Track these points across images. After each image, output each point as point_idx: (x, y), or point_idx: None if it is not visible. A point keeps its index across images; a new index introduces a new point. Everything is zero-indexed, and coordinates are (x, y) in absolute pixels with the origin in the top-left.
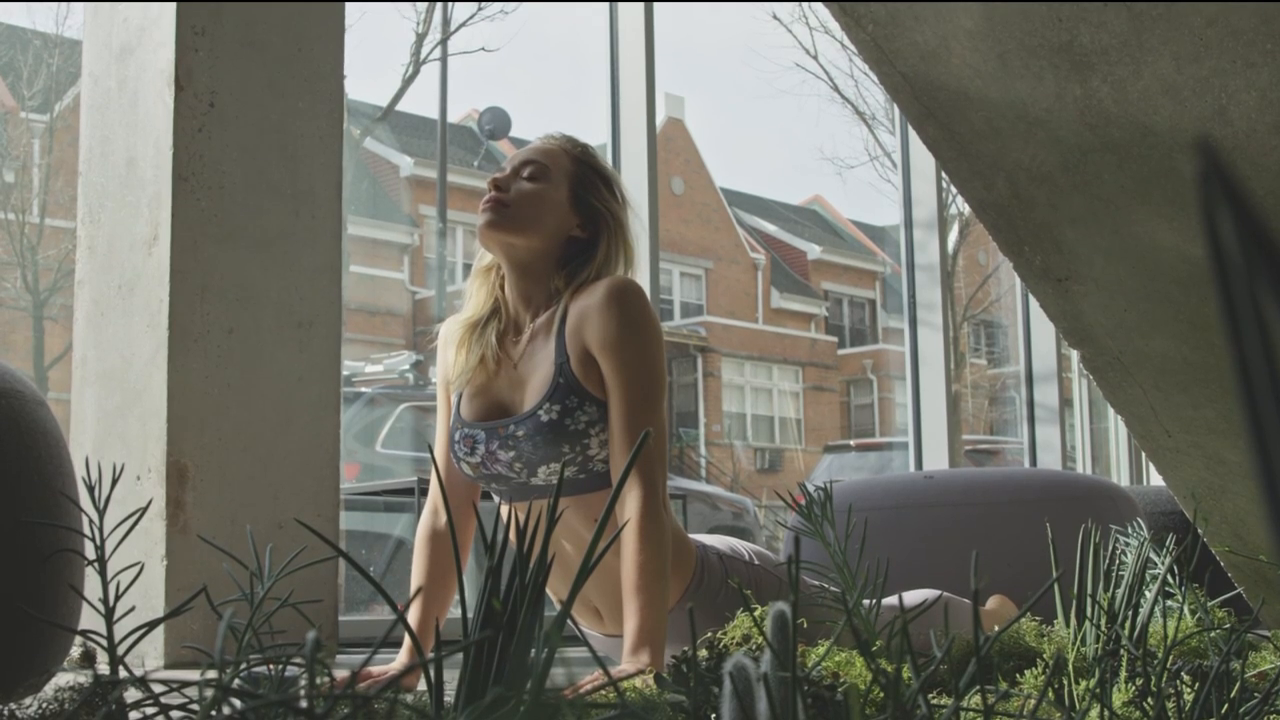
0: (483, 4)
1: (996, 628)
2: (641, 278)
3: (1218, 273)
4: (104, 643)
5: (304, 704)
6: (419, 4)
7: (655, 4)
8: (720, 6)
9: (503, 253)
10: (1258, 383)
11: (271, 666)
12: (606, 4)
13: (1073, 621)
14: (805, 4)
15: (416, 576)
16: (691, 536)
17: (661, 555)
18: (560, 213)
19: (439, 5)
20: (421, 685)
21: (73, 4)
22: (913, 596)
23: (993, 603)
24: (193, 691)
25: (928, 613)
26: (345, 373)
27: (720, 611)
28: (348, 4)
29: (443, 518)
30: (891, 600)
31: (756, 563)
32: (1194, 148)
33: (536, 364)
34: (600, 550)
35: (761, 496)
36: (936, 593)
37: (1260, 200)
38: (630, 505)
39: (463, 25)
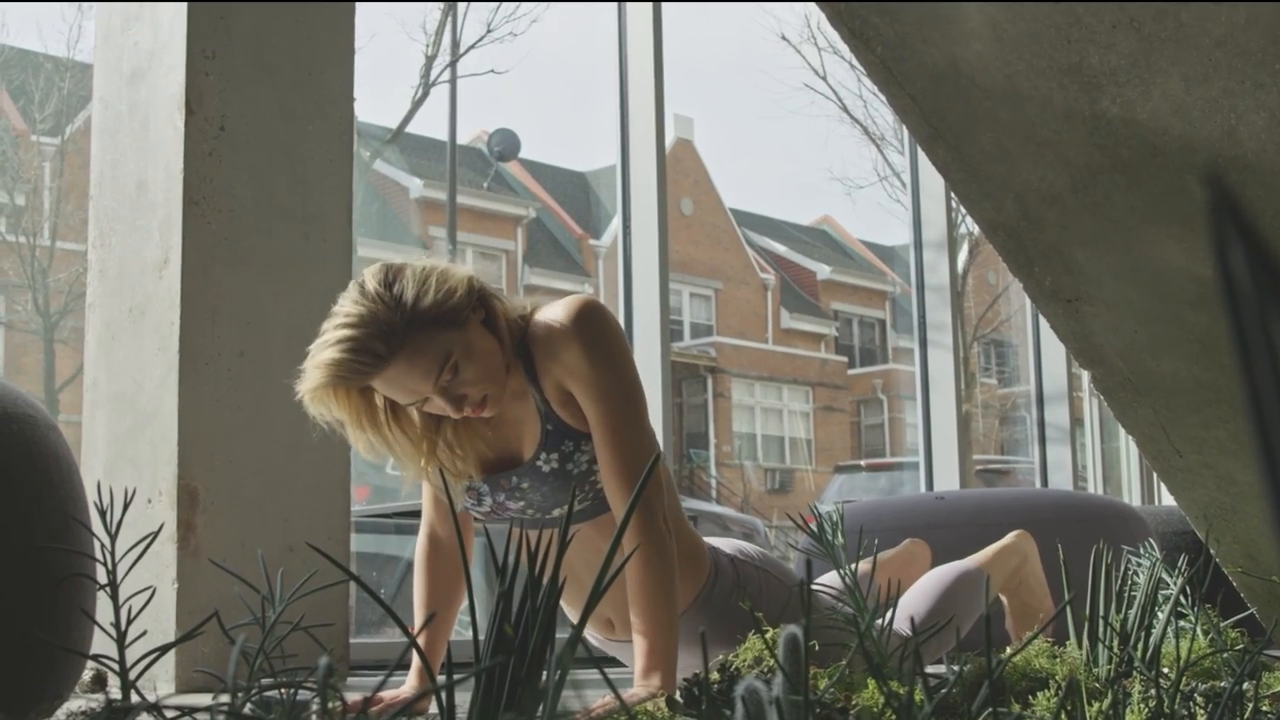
0: (499, 2)
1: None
2: (651, 298)
3: (1229, 303)
4: (115, 667)
5: None
6: (428, 27)
7: (664, 26)
8: (729, 28)
9: None
10: (1269, 416)
11: (284, 691)
12: (615, 27)
13: (1085, 643)
14: (814, 26)
15: (419, 599)
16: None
17: (666, 577)
18: (489, 346)
19: (448, 28)
20: (433, 709)
21: (85, 29)
22: (934, 578)
23: (1011, 538)
24: (205, 716)
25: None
26: None
27: (731, 614)
28: (357, 27)
29: (440, 539)
30: (907, 608)
31: (767, 569)
32: (1204, 177)
33: (520, 415)
34: (607, 582)
35: (772, 517)
36: (953, 572)
37: (1270, 221)
38: (630, 531)
39: (471, 48)
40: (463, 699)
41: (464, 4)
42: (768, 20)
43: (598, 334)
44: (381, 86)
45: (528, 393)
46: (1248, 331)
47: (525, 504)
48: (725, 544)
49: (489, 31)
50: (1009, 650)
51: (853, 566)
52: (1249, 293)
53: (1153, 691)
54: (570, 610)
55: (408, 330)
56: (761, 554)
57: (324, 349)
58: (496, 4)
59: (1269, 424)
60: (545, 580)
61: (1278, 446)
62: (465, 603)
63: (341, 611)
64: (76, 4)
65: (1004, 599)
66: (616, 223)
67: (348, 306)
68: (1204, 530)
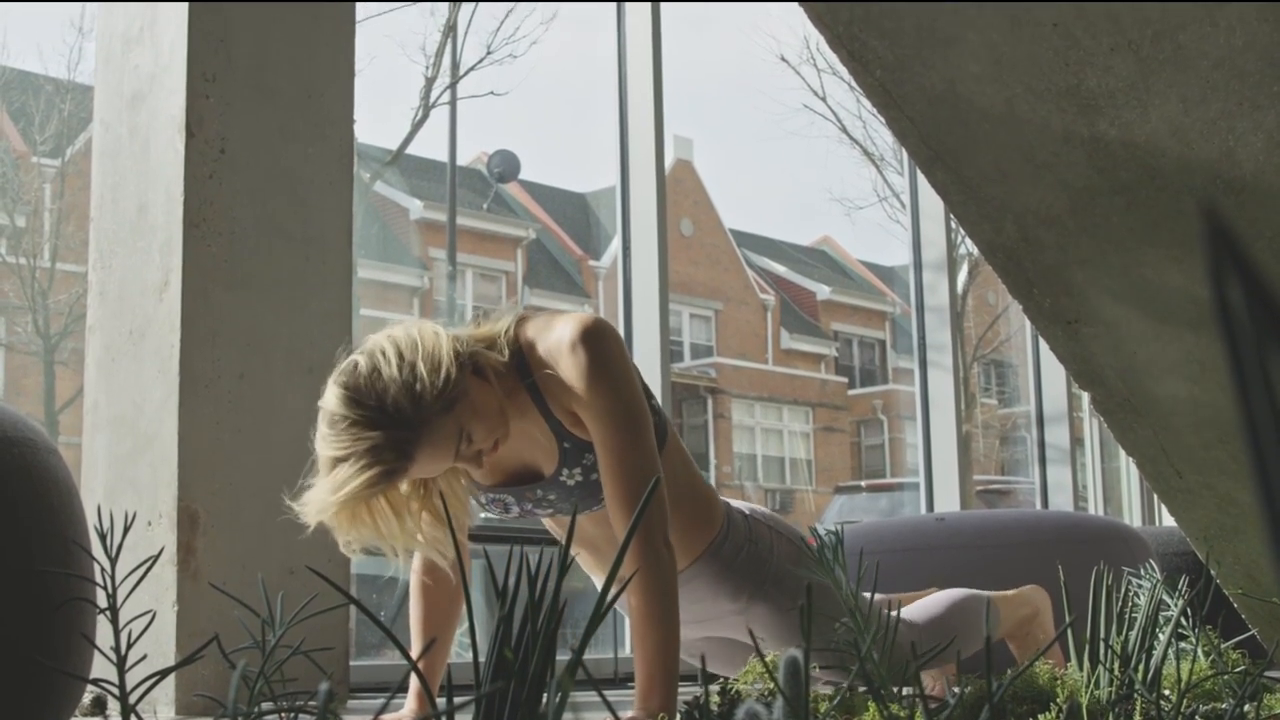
0: (500, 6)
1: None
2: (651, 319)
3: (1225, 332)
4: (115, 691)
5: None
6: (428, 49)
7: (664, 47)
8: (728, 49)
9: None
10: (1265, 443)
11: (284, 715)
12: (615, 48)
13: (1086, 665)
14: (813, 48)
15: (416, 622)
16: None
17: (665, 600)
18: (488, 396)
19: (448, 50)
20: None
21: (85, 51)
22: (944, 595)
23: (1027, 588)
24: None
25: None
26: None
27: (740, 567)
28: (357, 49)
29: (435, 562)
30: (913, 613)
31: (779, 529)
32: (1199, 206)
33: (530, 433)
34: (605, 607)
35: None
36: (964, 593)
37: (1269, 243)
38: (630, 553)
39: (471, 69)
40: None
41: (463, 26)
42: (767, 42)
43: (600, 360)
44: (381, 108)
45: (532, 408)
46: (1244, 360)
47: (553, 510)
48: (741, 504)
49: (489, 53)
50: (1010, 673)
51: (881, 597)
52: (1245, 322)
53: (1154, 713)
54: (596, 577)
55: (419, 432)
56: (774, 516)
57: (343, 484)
58: (496, 27)
59: (1265, 450)
60: (545, 604)
61: (1274, 472)
62: (465, 624)
63: (342, 635)
64: (77, 27)
65: (1011, 649)
66: (616, 244)
67: (345, 442)
68: (1204, 551)
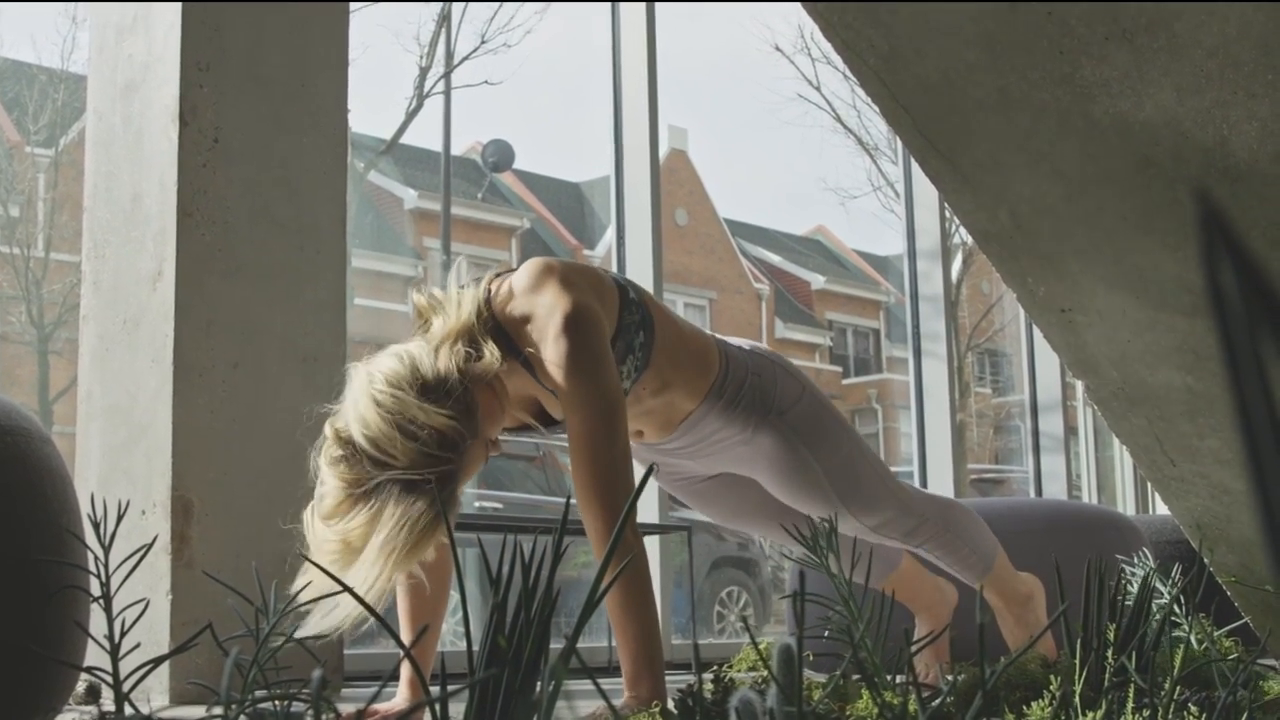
0: (498, 1)
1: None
2: None
3: (1219, 318)
4: (109, 679)
5: None
6: (422, 38)
7: (658, 36)
8: (723, 39)
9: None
10: (1258, 429)
11: (278, 703)
12: (609, 38)
13: (1079, 652)
14: (808, 37)
15: (404, 610)
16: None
17: (640, 584)
18: (491, 398)
19: (442, 40)
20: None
21: (79, 41)
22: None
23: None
24: None
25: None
26: None
27: (746, 400)
28: (351, 38)
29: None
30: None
31: (783, 364)
32: (1193, 191)
33: (530, 388)
34: (600, 595)
35: None
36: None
37: (1263, 232)
38: (599, 541)
39: (465, 59)
40: (456, 710)
41: (457, 15)
42: (761, 31)
43: (578, 352)
44: (376, 98)
45: (527, 376)
46: (1236, 345)
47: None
48: (741, 341)
49: (483, 43)
50: (1003, 660)
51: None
52: (1238, 307)
53: (1146, 701)
54: (642, 447)
55: (459, 472)
56: (777, 353)
57: (404, 553)
58: (491, 16)
59: (1258, 437)
60: (539, 591)
61: (1267, 459)
62: (459, 614)
63: None
64: (71, 16)
65: (1003, 632)
66: (611, 233)
67: (397, 514)
68: (1197, 539)
